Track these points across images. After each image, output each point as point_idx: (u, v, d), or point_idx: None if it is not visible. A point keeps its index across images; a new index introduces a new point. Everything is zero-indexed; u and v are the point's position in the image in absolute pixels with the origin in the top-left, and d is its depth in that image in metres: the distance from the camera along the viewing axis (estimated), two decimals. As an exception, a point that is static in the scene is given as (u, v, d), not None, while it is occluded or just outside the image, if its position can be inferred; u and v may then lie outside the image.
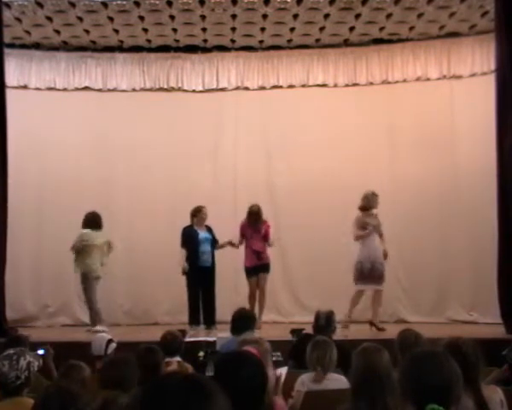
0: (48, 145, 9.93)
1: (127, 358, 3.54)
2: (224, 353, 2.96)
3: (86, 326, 8.82)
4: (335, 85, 10.28)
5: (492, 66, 8.61)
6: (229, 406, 1.40)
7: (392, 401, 2.88)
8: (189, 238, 8.69)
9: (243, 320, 5.55)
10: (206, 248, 8.71)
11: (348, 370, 3.32)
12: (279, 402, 3.09)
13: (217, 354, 6.13)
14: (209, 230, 8.87)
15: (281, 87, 10.33)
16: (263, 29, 9.52)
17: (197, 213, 8.81)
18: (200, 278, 8.64)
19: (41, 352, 5.17)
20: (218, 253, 8.87)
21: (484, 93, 8.81)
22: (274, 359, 5.25)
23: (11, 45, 9.50)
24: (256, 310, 8.57)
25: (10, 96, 8.37)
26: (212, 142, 10.26)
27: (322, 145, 10.01)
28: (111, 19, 9.09)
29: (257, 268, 8.72)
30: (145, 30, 9.51)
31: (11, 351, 3.59)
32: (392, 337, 4.38)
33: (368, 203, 8.63)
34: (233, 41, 9.98)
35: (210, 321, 8.63)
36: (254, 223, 8.73)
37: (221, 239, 8.90)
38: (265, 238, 8.76)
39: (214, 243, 8.82)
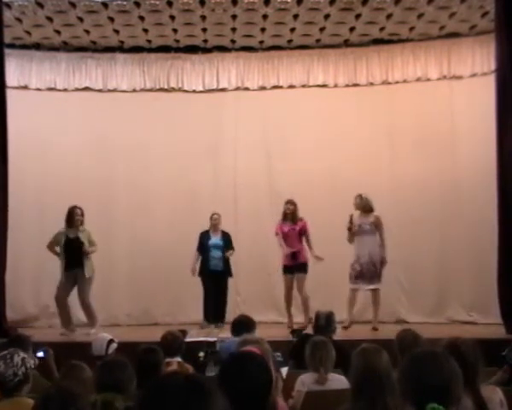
0: (48, 145, 9.93)
1: (123, 361, 3.53)
2: (229, 353, 2.95)
3: (86, 327, 8.81)
4: (336, 86, 10.28)
5: (492, 66, 8.60)
6: (228, 406, 1.41)
7: (392, 402, 2.88)
8: (201, 243, 9.03)
9: (242, 324, 5.54)
10: (215, 253, 8.95)
11: (348, 370, 3.32)
12: (281, 403, 3.09)
13: (217, 355, 6.14)
14: (225, 236, 9.05)
15: (281, 87, 10.33)
16: (263, 29, 9.52)
17: (209, 220, 9.10)
18: (210, 281, 8.94)
19: (40, 354, 5.17)
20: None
21: (484, 93, 8.81)
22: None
23: (11, 45, 9.50)
24: (293, 310, 8.74)
25: (11, 96, 8.38)
26: (212, 142, 10.26)
27: (322, 145, 10.02)
28: (111, 19, 9.09)
29: (292, 268, 8.63)
30: (145, 30, 9.51)
31: (4, 352, 3.61)
32: (392, 338, 4.38)
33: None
34: (233, 41, 9.98)
35: (217, 320, 8.84)
36: (286, 220, 8.71)
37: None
38: (301, 236, 8.66)
39: (227, 249, 8.99)
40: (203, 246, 9.01)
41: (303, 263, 8.62)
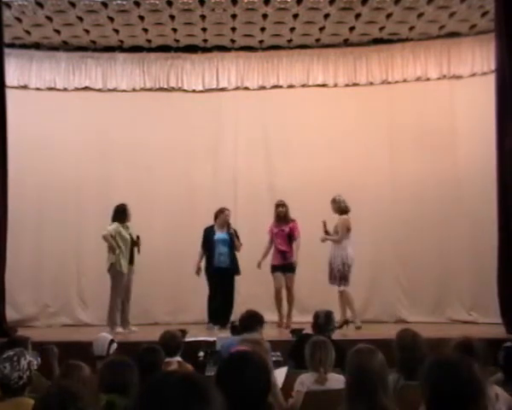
0: (48, 145, 9.92)
1: (126, 361, 3.53)
2: (228, 353, 2.95)
3: (86, 327, 8.81)
4: (335, 85, 10.28)
5: (492, 66, 8.60)
6: (225, 406, 1.41)
7: (386, 402, 2.88)
8: (206, 239, 8.76)
9: (249, 320, 5.54)
10: (222, 249, 8.71)
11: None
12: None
13: (217, 354, 6.14)
14: (231, 232, 8.81)
15: (281, 87, 10.33)
16: (263, 29, 9.52)
17: (219, 214, 8.86)
18: (217, 278, 8.67)
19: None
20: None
21: (484, 93, 8.81)
22: (274, 359, 5.27)
23: (11, 45, 9.51)
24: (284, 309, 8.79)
25: (10, 96, 8.37)
26: (212, 142, 10.26)
27: (321, 145, 10.02)
28: (111, 19, 9.09)
29: (283, 267, 8.74)
30: (145, 30, 9.52)
31: (11, 352, 3.59)
32: (392, 338, 4.38)
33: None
34: (233, 41, 9.98)
35: (224, 322, 8.51)
36: (278, 221, 8.78)
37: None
38: (290, 237, 8.73)
39: (233, 245, 8.80)
40: (208, 241, 8.72)
41: (291, 263, 8.73)
